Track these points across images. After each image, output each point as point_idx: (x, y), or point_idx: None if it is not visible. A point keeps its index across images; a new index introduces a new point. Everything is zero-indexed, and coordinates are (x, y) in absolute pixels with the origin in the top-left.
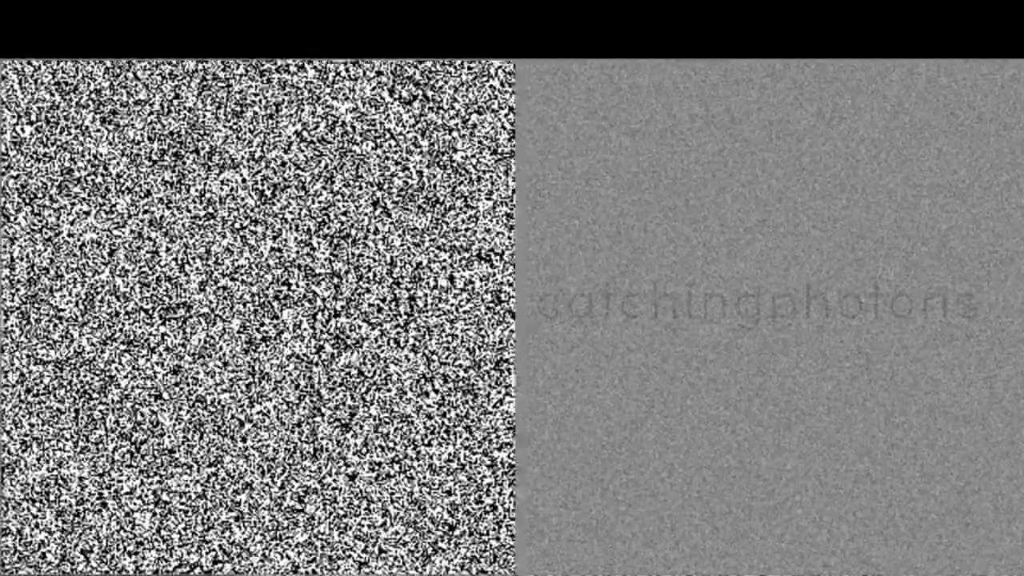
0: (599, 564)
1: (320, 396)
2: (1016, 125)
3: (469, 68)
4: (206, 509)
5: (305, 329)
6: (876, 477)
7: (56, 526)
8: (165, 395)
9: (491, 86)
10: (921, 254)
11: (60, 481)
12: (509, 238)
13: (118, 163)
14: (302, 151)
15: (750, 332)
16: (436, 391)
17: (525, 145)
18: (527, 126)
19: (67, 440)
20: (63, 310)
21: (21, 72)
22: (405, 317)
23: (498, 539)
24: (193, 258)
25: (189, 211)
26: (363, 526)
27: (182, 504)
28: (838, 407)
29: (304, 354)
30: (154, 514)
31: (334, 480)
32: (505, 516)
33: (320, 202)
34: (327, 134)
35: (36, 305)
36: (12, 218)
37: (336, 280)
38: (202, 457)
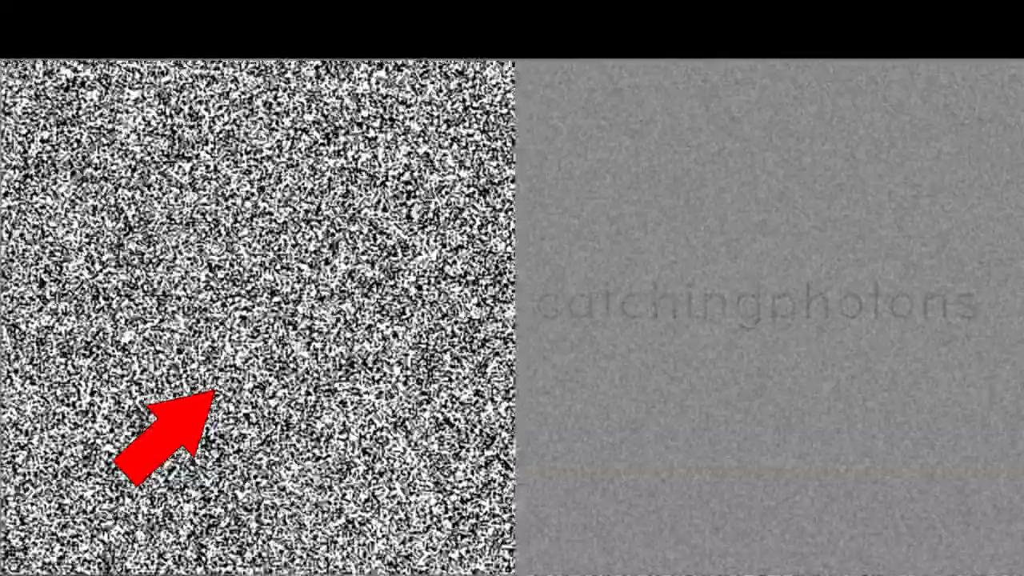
0: (599, 564)
1: (320, 394)
2: (1016, 125)
3: (469, 68)
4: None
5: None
6: (876, 477)
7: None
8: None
9: (491, 85)
10: (921, 254)
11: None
12: (509, 238)
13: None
14: (301, 151)
15: (750, 332)
16: (437, 388)
17: (525, 145)
18: (527, 126)
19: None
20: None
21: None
22: (405, 316)
23: (498, 538)
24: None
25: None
26: (362, 526)
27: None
28: (838, 407)
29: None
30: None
31: (335, 478)
32: (505, 516)
33: (316, 199)
34: (324, 134)
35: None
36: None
37: (335, 279)
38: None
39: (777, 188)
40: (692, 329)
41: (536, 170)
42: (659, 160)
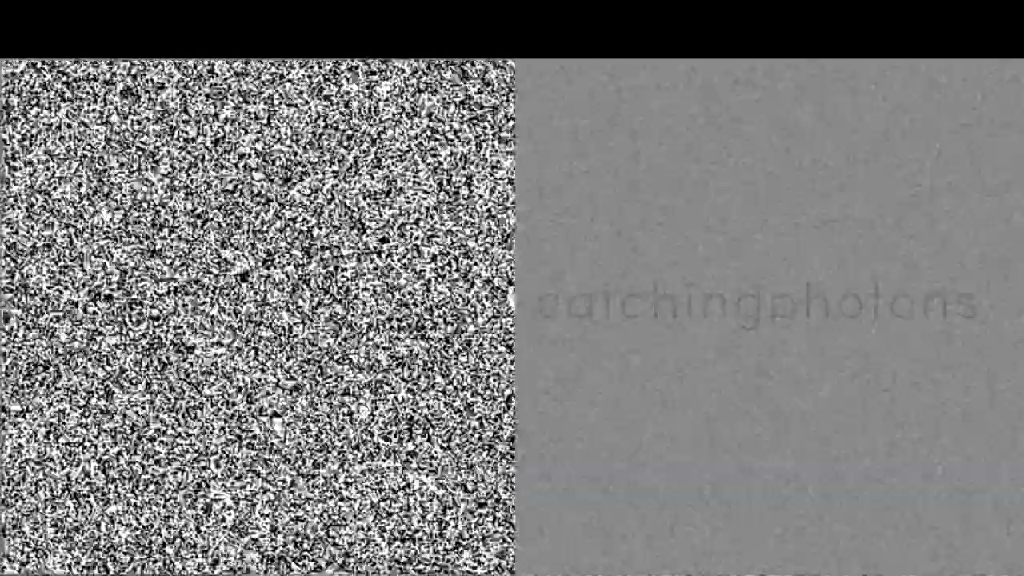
0: (599, 564)
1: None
2: (1016, 125)
3: (468, 68)
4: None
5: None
6: (876, 477)
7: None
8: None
9: (491, 85)
10: (921, 254)
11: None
12: (509, 238)
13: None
14: (303, 152)
15: (750, 332)
16: (438, 387)
17: (525, 145)
18: (527, 126)
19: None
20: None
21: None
22: (406, 316)
23: (499, 538)
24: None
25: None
26: (361, 525)
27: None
28: (838, 407)
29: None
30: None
31: (335, 480)
32: (505, 516)
33: (317, 205)
34: (325, 134)
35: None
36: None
37: (339, 281)
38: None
39: (777, 188)
40: (692, 329)
41: (536, 170)
42: (659, 160)
